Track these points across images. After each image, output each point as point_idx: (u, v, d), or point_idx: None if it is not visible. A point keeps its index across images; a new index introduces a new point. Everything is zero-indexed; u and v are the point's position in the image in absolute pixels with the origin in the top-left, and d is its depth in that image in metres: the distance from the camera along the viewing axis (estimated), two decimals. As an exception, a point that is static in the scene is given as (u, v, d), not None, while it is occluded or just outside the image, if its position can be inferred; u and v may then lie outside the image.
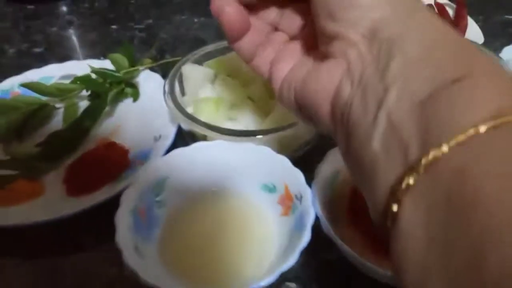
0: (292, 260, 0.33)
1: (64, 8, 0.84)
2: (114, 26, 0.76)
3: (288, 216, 0.40)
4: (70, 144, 0.51)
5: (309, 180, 0.40)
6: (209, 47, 0.54)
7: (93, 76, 0.57)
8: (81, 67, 0.59)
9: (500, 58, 0.56)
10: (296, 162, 0.41)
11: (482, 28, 0.70)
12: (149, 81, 0.57)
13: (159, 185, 0.41)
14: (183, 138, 0.50)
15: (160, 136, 0.50)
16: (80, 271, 0.42)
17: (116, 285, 0.40)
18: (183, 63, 0.51)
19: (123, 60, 0.57)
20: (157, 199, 0.41)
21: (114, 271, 0.41)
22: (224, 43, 0.56)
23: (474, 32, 0.69)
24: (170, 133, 0.49)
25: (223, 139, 0.43)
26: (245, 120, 0.48)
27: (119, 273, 0.41)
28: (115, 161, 0.48)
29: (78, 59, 0.67)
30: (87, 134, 0.52)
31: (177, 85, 0.51)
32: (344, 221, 0.40)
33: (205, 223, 0.42)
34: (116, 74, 0.56)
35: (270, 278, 0.32)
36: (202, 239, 0.40)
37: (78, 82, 0.56)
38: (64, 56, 0.69)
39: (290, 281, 0.40)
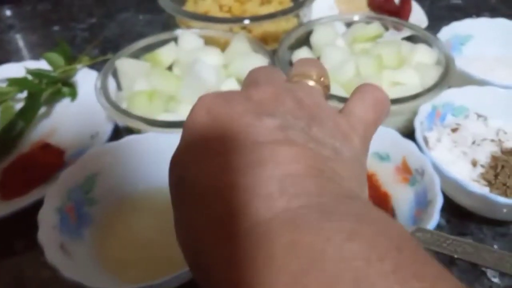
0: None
1: (8, 12, 0.81)
2: (56, 27, 0.74)
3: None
4: (4, 148, 0.49)
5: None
6: (146, 41, 0.53)
7: (30, 77, 0.55)
8: (18, 69, 0.57)
9: (438, 39, 0.56)
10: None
11: (428, 12, 0.71)
12: (87, 80, 0.55)
13: (88, 182, 0.40)
14: (121, 135, 0.48)
15: (97, 134, 0.48)
16: (12, 275, 0.40)
17: (50, 287, 0.39)
18: (117, 58, 0.50)
19: (59, 59, 0.56)
20: (88, 196, 0.40)
21: (46, 273, 0.39)
22: (161, 36, 0.55)
23: (418, 15, 0.70)
24: (106, 130, 0.48)
25: (158, 131, 0.43)
26: (183, 112, 0.47)
27: (53, 275, 0.39)
28: (50, 163, 0.46)
29: (18, 62, 0.65)
30: (22, 137, 0.51)
31: (112, 81, 0.50)
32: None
33: (140, 219, 0.41)
34: (52, 73, 0.54)
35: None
36: (137, 236, 0.39)
37: (14, 85, 0.54)
38: (4, 59, 0.66)
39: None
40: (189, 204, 0.19)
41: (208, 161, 0.20)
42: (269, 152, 0.18)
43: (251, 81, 0.24)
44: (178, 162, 0.21)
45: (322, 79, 0.24)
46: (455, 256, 0.29)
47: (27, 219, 0.40)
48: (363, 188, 0.21)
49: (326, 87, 0.24)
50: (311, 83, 0.24)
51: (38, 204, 0.40)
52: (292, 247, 0.15)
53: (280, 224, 0.16)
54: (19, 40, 0.73)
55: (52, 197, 0.36)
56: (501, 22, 0.62)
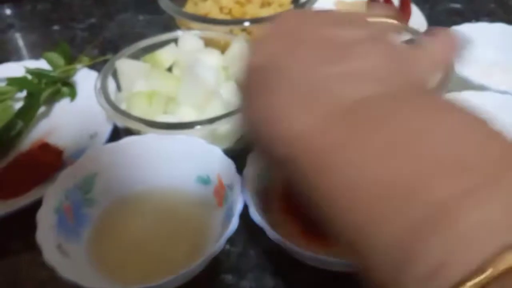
0: (216, 248, 0.32)
1: (8, 12, 0.81)
2: (56, 27, 0.74)
3: (222, 207, 0.39)
4: (2, 147, 0.49)
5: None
6: (145, 42, 0.54)
7: (29, 77, 0.55)
8: (18, 69, 0.57)
9: (437, 42, 0.56)
10: (238, 155, 0.41)
11: (427, 16, 0.71)
12: (87, 80, 0.55)
13: (87, 183, 0.40)
14: (120, 136, 0.49)
15: (96, 134, 0.48)
16: (10, 275, 0.40)
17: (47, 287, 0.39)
18: (117, 59, 0.50)
19: (59, 59, 0.56)
20: (86, 197, 0.40)
21: (45, 273, 0.39)
22: (161, 37, 0.55)
23: (417, 19, 0.70)
24: (105, 130, 0.48)
25: (157, 132, 0.43)
26: (182, 113, 0.47)
27: (50, 275, 0.39)
28: (48, 162, 0.46)
29: (18, 61, 0.65)
30: (21, 136, 0.51)
31: (112, 81, 0.50)
32: (277, 208, 0.40)
33: (138, 220, 0.41)
34: (51, 73, 0.54)
35: (192, 266, 0.31)
36: (135, 237, 0.39)
37: (13, 84, 0.54)
38: (3, 59, 0.66)
39: (226, 273, 0.39)
40: (278, 88, 0.21)
41: (304, 52, 0.22)
42: (360, 49, 0.21)
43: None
44: (265, 51, 0.23)
45: (393, 20, 0.26)
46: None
47: (25, 219, 0.40)
48: None
49: (398, 26, 0.27)
50: (384, 19, 0.26)
51: (36, 204, 0.40)
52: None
53: (381, 99, 0.19)
54: (19, 40, 0.73)
55: (51, 197, 0.36)
56: (499, 27, 0.63)
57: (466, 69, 0.55)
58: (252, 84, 0.23)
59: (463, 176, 0.15)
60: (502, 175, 0.15)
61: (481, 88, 0.50)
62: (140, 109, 0.45)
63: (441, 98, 0.20)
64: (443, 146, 0.16)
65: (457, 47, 0.26)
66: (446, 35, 0.26)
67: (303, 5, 0.60)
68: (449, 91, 0.49)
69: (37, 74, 0.54)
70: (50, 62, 0.56)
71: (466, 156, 0.16)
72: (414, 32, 0.59)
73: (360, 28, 0.23)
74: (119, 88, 0.51)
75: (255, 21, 0.58)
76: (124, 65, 0.50)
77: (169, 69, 0.53)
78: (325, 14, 0.25)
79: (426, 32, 0.27)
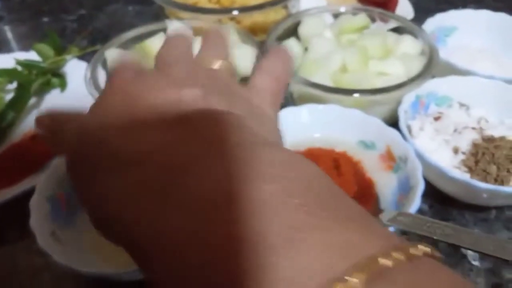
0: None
1: (-3, 4, 0.81)
2: (45, 19, 0.74)
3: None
4: (-6, 138, 0.50)
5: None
6: (135, 31, 0.54)
7: (20, 68, 0.56)
8: (7, 60, 0.57)
9: (423, 30, 0.57)
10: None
11: (415, 3, 0.72)
12: (77, 70, 0.55)
13: (79, 171, 0.40)
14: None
15: (87, 124, 0.49)
16: (4, 263, 0.41)
17: (43, 274, 0.40)
18: (107, 49, 0.51)
19: (49, 50, 0.56)
20: (79, 184, 0.40)
21: (40, 260, 0.40)
22: (152, 27, 0.55)
23: (404, 7, 0.71)
24: (96, 120, 0.48)
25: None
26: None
27: (45, 262, 0.40)
28: (40, 152, 0.47)
29: (7, 53, 0.65)
30: (12, 127, 0.51)
31: (102, 72, 0.50)
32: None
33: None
34: (41, 64, 0.54)
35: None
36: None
37: (3, 75, 0.55)
38: (-7, 51, 0.67)
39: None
40: (126, 166, 0.20)
41: (136, 130, 0.21)
42: (196, 118, 0.20)
43: (165, 62, 0.26)
44: (95, 134, 0.22)
45: (227, 59, 0.26)
46: (435, 237, 0.30)
47: (19, 208, 0.41)
48: (280, 142, 0.24)
49: (231, 67, 0.27)
50: (219, 63, 0.26)
51: (29, 194, 0.41)
52: None
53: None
54: (8, 32, 0.73)
55: (43, 185, 0.37)
56: (485, 13, 0.64)
57: (452, 55, 0.55)
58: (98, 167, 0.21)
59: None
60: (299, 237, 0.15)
61: (466, 73, 0.51)
62: (130, 98, 0.45)
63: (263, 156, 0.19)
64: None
65: (284, 70, 0.27)
66: (271, 68, 0.26)
67: (291, -6, 0.60)
68: (435, 76, 0.50)
69: (27, 65, 0.55)
70: (40, 53, 0.56)
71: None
72: (401, 20, 0.60)
73: (192, 82, 0.22)
74: (109, 78, 0.51)
75: (243, 10, 0.58)
76: (113, 55, 0.50)
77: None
78: (159, 72, 0.23)
79: (255, 69, 0.27)
